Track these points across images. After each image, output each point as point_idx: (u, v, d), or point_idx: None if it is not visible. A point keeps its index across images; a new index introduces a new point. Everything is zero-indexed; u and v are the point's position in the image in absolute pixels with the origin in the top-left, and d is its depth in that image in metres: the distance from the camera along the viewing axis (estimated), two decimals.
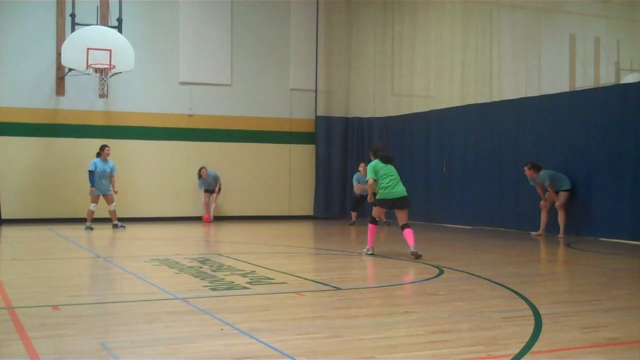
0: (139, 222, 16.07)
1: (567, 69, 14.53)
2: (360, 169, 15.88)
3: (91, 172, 14.00)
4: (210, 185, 16.57)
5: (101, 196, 14.19)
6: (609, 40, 14.43)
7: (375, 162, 9.46)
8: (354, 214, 16.21)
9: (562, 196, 12.42)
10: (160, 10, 16.83)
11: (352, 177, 17.25)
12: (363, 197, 15.16)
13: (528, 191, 13.32)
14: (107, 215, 14.51)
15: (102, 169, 14.06)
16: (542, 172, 12.53)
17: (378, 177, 9.37)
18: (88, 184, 14.23)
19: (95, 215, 16.16)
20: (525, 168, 12.66)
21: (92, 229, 13.89)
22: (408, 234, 9.21)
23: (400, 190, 9.36)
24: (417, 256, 8.98)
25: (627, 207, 11.68)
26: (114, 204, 14.32)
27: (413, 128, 16.93)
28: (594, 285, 7.27)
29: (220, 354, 4.27)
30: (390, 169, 9.43)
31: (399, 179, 9.45)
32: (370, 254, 9.47)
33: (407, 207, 9.44)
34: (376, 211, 9.63)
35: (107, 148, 14.23)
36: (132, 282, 7.24)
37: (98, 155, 14.21)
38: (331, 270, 8.35)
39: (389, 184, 9.32)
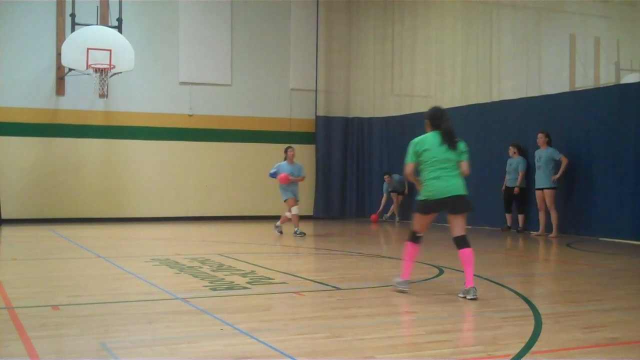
0: (139, 222, 16.08)
1: (567, 69, 14.53)
2: (511, 153, 13.67)
3: (271, 175, 13.00)
4: (396, 187, 16.91)
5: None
6: (609, 40, 14.42)
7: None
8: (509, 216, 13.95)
9: (549, 195, 12.43)
10: (160, 10, 16.83)
11: (353, 177, 17.34)
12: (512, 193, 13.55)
13: (531, 190, 13.34)
14: (114, 215, 14.40)
15: (290, 171, 12.82)
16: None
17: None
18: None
19: (101, 215, 16.20)
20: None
21: (281, 233, 13.08)
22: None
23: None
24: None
25: (628, 207, 11.67)
26: (297, 207, 12.93)
27: (414, 128, 16.84)
28: (594, 285, 7.27)
29: (220, 354, 4.26)
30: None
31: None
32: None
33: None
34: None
35: (290, 149, 13.05)
36: (132, 282, 7.23)
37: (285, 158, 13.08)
38: (331, 270, 8.35)
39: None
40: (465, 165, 6.45)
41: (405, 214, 16.49)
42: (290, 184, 12.85)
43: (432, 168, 6.35)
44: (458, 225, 6.37)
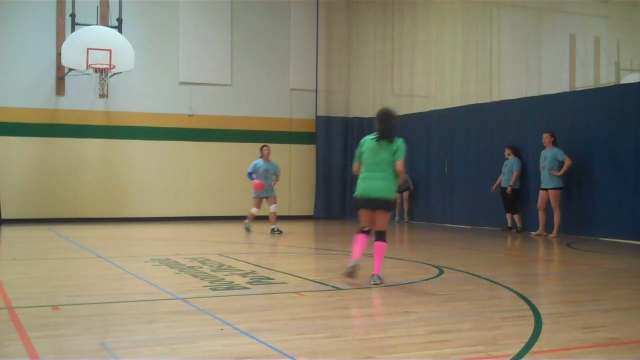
0: (139, 222, 16.07)
1: (567, 69, 14.52)
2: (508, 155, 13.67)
3: (249, 174, 13.17)
4: (400, 185, 16.67)
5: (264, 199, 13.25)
6: (609, 40, 14.42)
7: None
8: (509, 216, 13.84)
9: (554, 195, 12.42)
10: (160, 10, 16.83)
11: (353, 177, 17.25)
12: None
13: (528, 191, 13.32)
14: (114, 215, 14.38)
15: (265, 169, 13.17)
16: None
17: None
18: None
19: (101, 215, 16.19)
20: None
21: (249, 230, 13.32)
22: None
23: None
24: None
25: (628, 207, 11.67)
26: (275, 205, 13.26)
27: (413, 128, 16.89)
28: (594, 285, 7.27)
29: (220, 354, 4.26)
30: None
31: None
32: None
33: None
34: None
35: (265, 147, 13.40)
36: (132, 282, 7.23)
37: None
38: (331, 270, 8.34)
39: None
40: (397, 164, 6.92)
41: (413, 212, 16.52)
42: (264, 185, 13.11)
43: (363, 169, 7.10)
44: (377, 221, 7.05)
